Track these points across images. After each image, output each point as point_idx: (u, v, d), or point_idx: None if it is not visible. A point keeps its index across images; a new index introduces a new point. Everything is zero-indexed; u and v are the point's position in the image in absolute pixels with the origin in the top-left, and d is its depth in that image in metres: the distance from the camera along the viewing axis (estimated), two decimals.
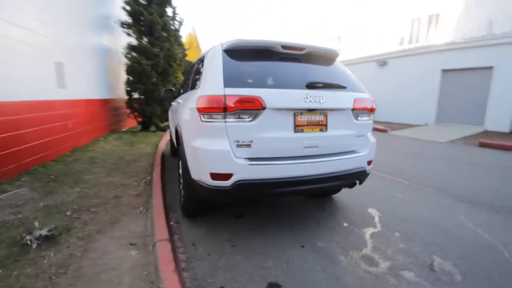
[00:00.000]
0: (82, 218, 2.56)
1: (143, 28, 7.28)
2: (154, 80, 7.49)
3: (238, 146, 1.97)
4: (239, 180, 1.95)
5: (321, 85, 2.19)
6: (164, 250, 1.90)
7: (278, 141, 2.05)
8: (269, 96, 1.98)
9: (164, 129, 8.36)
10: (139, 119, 8.21)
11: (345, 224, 2.64)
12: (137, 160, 4.85)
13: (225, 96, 1.90)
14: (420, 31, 15.16)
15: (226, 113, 1.91)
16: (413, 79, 12.30)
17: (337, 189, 3.08)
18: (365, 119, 2.42)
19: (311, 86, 2.15)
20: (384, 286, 1.77)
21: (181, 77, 8.51)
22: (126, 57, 7.14)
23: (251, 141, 1.98)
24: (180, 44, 9.88)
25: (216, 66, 2.14)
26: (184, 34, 18.48)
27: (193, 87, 2.74)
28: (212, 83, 2.07)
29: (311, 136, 2.14)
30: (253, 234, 2.40)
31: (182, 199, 2.69)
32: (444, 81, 11.39)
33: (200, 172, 2.07)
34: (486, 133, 9.21)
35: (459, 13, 13.66)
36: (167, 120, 8.55)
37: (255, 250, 2.16)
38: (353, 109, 2.30)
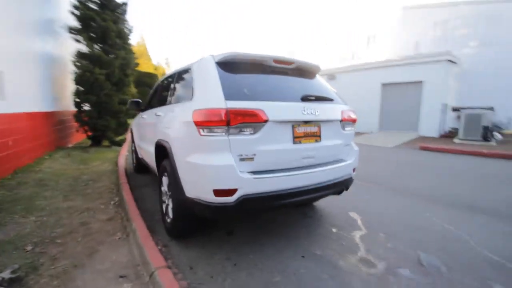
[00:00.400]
0: (49, 252, 2.17)
1: (93, 35, 6.68)
2: (108, 90, 6.87)
3: (242, 160, 1.92)
4: (244, 195, 1.89)
5: (313, 98, 2.28)
6: (166, 279, 1.72)
7: (279, 153, 2.06)
8: (270, 109, 1.99)
9: (119, 144, 7.68)
10: (89, 134, 7.40)
11: (334, 230, 2.74)
12: (97, 180, 4.34)
13: (228, 109, 1.85)
14: (360, 49, 16.98)
15: (230, 126, 1.86)
16: (358, 92, 13.62)
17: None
18: (349, 129, 2.59)
19: (305, 99, 2.23)
20: (388, 286, 1.88)
21: (133, 88, 7.97)
22: (75, 65, 6.43)
23: (254, 154, 1.95)
24: (132, 53, 9.32)
25: (211, 78, 2.07)
26: (133, 42, 17.54)
27: (178, 100, 2.60)
28: (209, 95, 1.99)
29: (308, 147, 2.20)
30: (250, 249, 2.33)
31: (168, 220, 2.48)
32: (384, 93, 12.89)
33: (199, 189, 1.95)
34: (421, 138, 10.64)
35: (392, 35, 15.75)
36: (122, 134, 7.90)
37: (257, 266, 2.09)
38: (341, 120, 2.45)
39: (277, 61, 2.33)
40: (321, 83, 2.72)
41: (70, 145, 7.46)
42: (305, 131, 2.19)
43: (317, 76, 2.79)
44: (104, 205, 3.28)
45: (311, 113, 2.17)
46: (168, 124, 2.41)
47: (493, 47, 12.24)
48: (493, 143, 8.80)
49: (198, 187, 1.96)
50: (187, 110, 2.11)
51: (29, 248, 2.22)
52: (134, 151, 4.87)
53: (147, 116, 3.61)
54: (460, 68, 12.62)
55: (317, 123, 2.26)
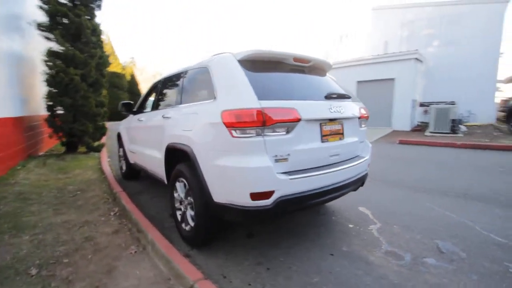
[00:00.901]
0: (59, 275, 1.94)
1: (66, 32, 6.12)
2: (84, 92, 6.36)
3: (277, 161, 1.86)
4: (281, 197, 1.84)
5: (336, 95, 2.29)
6: None
7: (310, 153, 2.03)
8: (301, 107, 1.95)
9: (97, 149, 7.15)
10: (63, 139, 6.78)
11: (350, 226, 2.79)
12: (85, 190, 4.00)
13: (263, 109, 1.78)
14: (333, 47, 17.54)
15: (265, 127, 1.79)
16: None
17: None
18: (364, 126, 2.64)
19: (329, 97, 2.22)
20: (421, 275, 1.94)
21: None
22: (47, 65, 5.85)
23: (288, 155, 1.90)
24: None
25: (238, 77, 1.99)
26: None
27: (192, 100, 2.46)
28: (239, 95, 1.91)
29: (334, 145, 2.20)
30: (277, 251, 2.29)
31: (186, 228, 2.35)
32: (360, 90, 13.45)
33: (233, 193, 1.86)
34: (395, 133, 11.28)
35: (363, 34, 16.47)
36: (99, 139, 7.36)
37: (291, 268, 2.05)
38: (359, 117, 2.49)
39: (296, 59, 2.30)
40: (332, 81, 2.74)
41: (41, 153, 6.80)
42: (331, 129, 2.19)
43: (327, 73, 2.81)
44: (104, 216, 3.02)
45: (337, 111, 2.17)
46: (187, 126, 2.26)
47: (454, 46, 13.34)
48: (460, 134, 9.59)
49: (232, 191, 1.87)
50: (211, 111, 2.00)
51: (33, 271, 1.96)
52: (124, 157, 4.55)
53: (146, 119, 3.38)
54: (425, 66, 13.58)
55: (340, 120, 2.27)
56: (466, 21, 13.31)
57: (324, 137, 2.12)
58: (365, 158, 2.55)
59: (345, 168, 2.24)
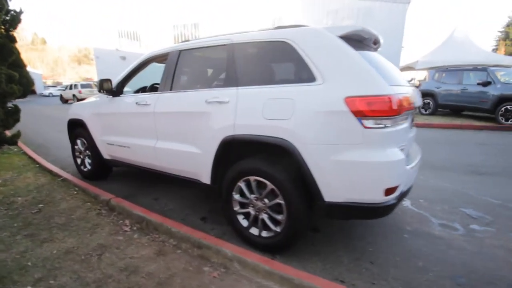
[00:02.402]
0: None
1: None
2: None
3: (401, 151, 1.75)
4: (402, 191, 1.77)
5: (408, 81, 2.29)
6: None
7: (409, 142, 1.99)
8: (411, 95, 1.86)
9: (12, 142, 5.27)
10: None
11: None
12: (50, 201, 2.93)
13: (396, 95, 1.61)
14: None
15: (398, 115, 1.63)
16: None
17: None
18: None
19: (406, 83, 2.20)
20: (482, 241, 2.24)
21: None
22: None
23: (405, 145, 1.81)
24: None
25: (353, 56, 1.73)
26: None
27: (263, 80, 2.01)
28: (363, 78, 1.66)
29: (413, 133, 2.22)
30: (362, 242, 2.22)
31: (265, 234, 2.02)
32: None
33: (360, 190, 1.67)
34: None
35: (294, 19, 17.11)
36: (11, 126, 5.40)
37: (392, 259, 2.04)
38: None
39: (376, 41, 2.17)
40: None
41: None
42: (412, 116, 2.19)
43: None
44: (119, 234, 2.28)
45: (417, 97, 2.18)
46: (276, 115, 1.83)
47: None
48: None
49: (358, 188, 1.67)
50: (322, 97, 1.70)
51: None
52: (90, 151, 3.48)
53: (162, 102, 2.54)
54: None
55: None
56: (377, 15, 15.53)
57: (411, 123, 2.12)
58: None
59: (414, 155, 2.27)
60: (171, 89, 2.56)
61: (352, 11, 15.92)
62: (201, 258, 1.97)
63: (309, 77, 1.80)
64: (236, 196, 2.14)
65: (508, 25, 35.55)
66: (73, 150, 3.84)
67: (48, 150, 5.35)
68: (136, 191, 3.31)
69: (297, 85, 1.82)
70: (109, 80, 3.02)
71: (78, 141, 3.70)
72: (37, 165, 4.12)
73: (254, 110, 1.93)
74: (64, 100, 20.80)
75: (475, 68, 8.98)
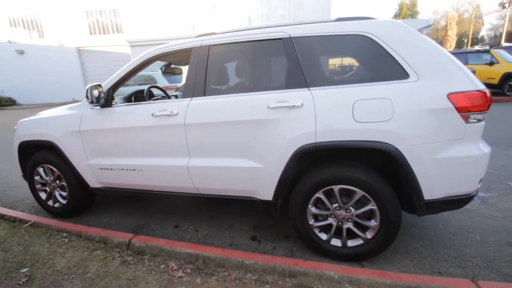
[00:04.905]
0: None
1: None
2: None
3: None
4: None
5: None
6: None
7: None
8: None
9: None
10: None
11: None
12: (37, 261, 2.16)
13: (487, 90, 1.67)
14: (200, 18, 16.74)
15: (487, 110, 1.70)
16: None
17: None
18: None
19: None
20: (493, 206, 2.63)
21: None
22: None
23: None
24: None
25: (441, 51, 1.72)
26: None
27: (341, 79, 1.81)
28: (457, 74, 1.67)
29: None
30: (418, 229, 2.33)
31: (353, 243, 1.92)
32: None
33: (460, 184, 1.72)
34: None
35: (229, 7, 16.66)
36: None
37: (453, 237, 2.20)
38: None
39: None
40: None
41: None
42: None
43: None
44: (179, 285, 1.81)
45: None
46: (371, 117, 1.67)
47: None
48: None
49: (458, 182, 1.72)
50: (423, 94, 1.65)
51: None
52: (68, 180, 2.66)
53: (205, 111, 2.04)
54: None
55: None
56: (306, 7, 16.42)
57: None
58: None
59: None
60: (204, 94, 2.10)
61: (284, 2, 16.39)
62: None
63: (400, 74, 1.71)
64: (313, 209, 1.94)
65: (394, 16, 42.97)
66: (32, 182, 2.86)
67: None
68: (141, 220, 2.71)
69: (391, 82, 1.71)
70: (99, 86, 2.30)
71: (40, 170, 2.77)
72: None
73: (341, 113, 1.74)
74: None
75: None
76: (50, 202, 2.85)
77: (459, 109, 1.61)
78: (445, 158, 1.66)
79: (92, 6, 16.53)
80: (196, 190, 2.26)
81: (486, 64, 9.37)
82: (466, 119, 1.62)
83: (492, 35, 41.93)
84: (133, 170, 2.37)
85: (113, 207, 3.01)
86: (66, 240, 2.33)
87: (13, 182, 3.77)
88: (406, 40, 1.73)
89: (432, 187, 1.71)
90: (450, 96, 1.61)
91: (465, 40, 36.96)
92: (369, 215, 1.87)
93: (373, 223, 1.84)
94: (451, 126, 1.64)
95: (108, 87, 2.38)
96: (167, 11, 16.28)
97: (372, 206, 1.80)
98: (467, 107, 1.61)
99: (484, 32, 44.08)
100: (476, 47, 12.29)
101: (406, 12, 43.37)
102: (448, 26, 28.34)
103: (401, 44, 1.73)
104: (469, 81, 1.65)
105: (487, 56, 9.94)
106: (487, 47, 11.06)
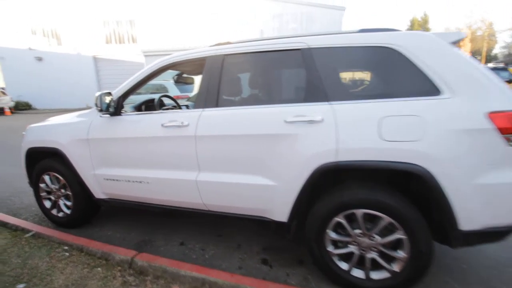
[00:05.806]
0: None
1: None
2: None
3: None
4: None
5: None
6: None
7: None
8: None
9: None
10: None
11: None
12: (35, 275, 2.03)
13: None
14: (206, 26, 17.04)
15: None
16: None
17: None
18: None
19: None
20: None
21: None
22: None
23: None
24: None
25: (475, 65, 1.57)
26: None
27: (365, 93, 1.68)
28: (495, 91, 1.51)
29: None
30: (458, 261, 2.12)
31: (377, 273, 1.73)
32: None
33: (501, 215, 1.53)
34: None
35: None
36: None
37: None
38: None
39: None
40: None
41: None
42: None
43: None
44: None
45: None
46: (398, 136, 1.53)
47: None
48: None
49: (501, 212, 1.52)
50: (457, 112, 1.49)
51: None
52: (73, 189, 2.57)
53: (216, 123, 1.93)
54: None
55: None
56: (318, 20, 16.56)
57: None
58: None
59: None
60: (217, 105, 2.00)
61: (296, 16, 16.57)
62: None
63: (431, 90, 1.57)
64: (332, 234, 1.77)
65: None
66: (37, 190, 2.78)
67: None
68: (146, 235, 2.57)
69: (421, 98, 1.56)
70: (109, 94, 2.24)
71: (46, 177, 2.69)
72: None
73: (366, 130, 1.60)
74: None
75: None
76: (54, 211, 2.75)
77: (501, 130, 1.44)
78: (486, 184, 1.48)
79: (110, 17, 17.08)
80: (205, 206, 2.12)
81: (505, 81, 9.10)
82: (508, 141, 1.46)
83: (506, 52, 41.40)
84: (140, 182, 2.25)
85: (118, 219, 2.90)
86: (67, 254, 2.20)
87: (20, 187, 3.72)
88: (437, 54, 1.60)
89: (469, 216, 1.52)
90: (490, 115, 1.45)
91: (479, 58, 36.62)
92: (396, 244, 1.68)
93: (401, 254, 1.65)
94: (491, 149, 1.47)
95: (119, 95, 2.31)
96: (180, 23, 16.66)
97: (400, 235, 1.62)
98: (509, 128, 1.44)
99: (497, 50, 43.61)
100: (490, 65, 12.06)
101: (418, 29, 43.48)
102: (461, 43, 28.17)
103: (431, 58, 1.59)
104: (510, 100, 1.49)
105: (504, 74, 9.68)
106: (502, 65, 10.81)
